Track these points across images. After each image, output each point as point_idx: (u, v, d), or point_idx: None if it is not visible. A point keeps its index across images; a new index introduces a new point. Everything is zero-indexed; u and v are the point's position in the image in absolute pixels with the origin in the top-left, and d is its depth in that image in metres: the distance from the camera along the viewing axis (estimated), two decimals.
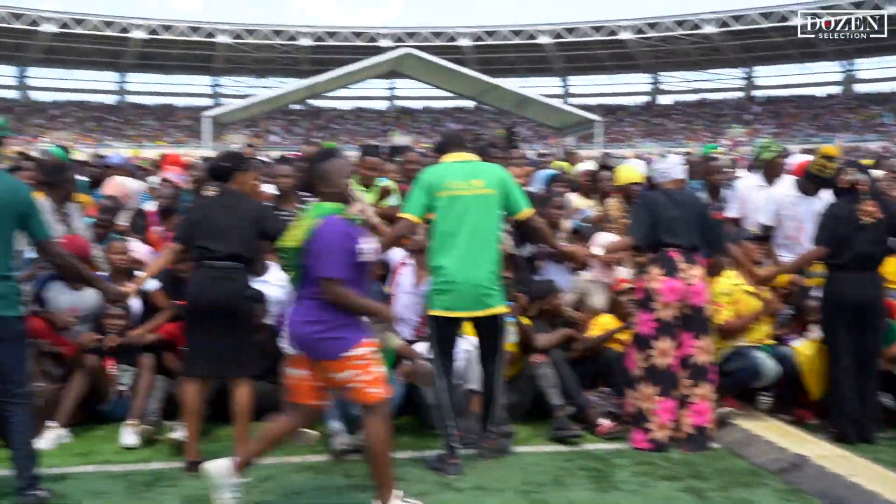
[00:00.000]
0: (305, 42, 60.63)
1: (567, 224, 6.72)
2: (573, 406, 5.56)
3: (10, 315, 4.14)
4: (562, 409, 5.42)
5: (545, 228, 5.40)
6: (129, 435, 5.18)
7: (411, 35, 59.39)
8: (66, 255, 4.56)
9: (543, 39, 60.04)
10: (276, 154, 16.47)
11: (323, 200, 4.01)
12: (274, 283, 5.92)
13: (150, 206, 7.35)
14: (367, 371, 3.89)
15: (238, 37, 60.10)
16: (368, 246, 3.93)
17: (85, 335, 5.59)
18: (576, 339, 5.95)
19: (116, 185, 7.61)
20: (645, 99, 69.06)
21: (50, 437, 5.06)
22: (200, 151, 26.39)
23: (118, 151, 25.14)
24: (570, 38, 59.37)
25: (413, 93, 68.50)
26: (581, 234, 6.52)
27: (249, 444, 4.25)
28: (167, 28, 58.83)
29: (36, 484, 4.14)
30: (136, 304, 5.90)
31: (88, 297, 5.77)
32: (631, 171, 7.26)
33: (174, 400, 5.26)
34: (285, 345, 5.62)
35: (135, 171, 9.63)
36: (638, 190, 6.78)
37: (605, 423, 5.47)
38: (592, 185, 7.79)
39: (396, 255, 6.17)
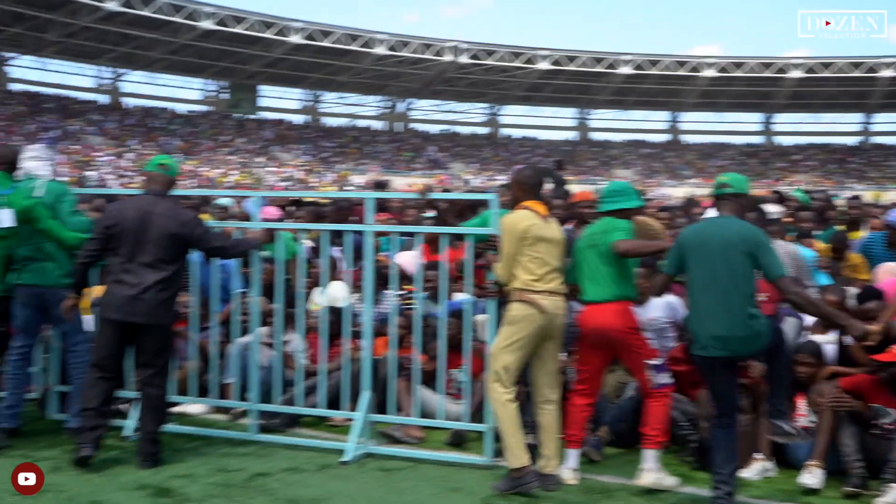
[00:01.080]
0: None
1: None
2: None
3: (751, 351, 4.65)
4: None
5: None
6: (807, 475, 5.15)
7: None
8: (804, 293, 4.75)
9: None
10: None
11: None
12: None
13: None
14: None
15: None
16: None
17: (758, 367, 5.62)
18: None
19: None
20: None
21: (756, 468, 5.39)
22: None
23: (859, 194, 24.76)
24: None
25: None
26: None
27: None
28: None
29: None
30: (830, 349, 5.95)
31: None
32: None
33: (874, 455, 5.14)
34: None
35: None
36: None
37: None
38: None
39: None
